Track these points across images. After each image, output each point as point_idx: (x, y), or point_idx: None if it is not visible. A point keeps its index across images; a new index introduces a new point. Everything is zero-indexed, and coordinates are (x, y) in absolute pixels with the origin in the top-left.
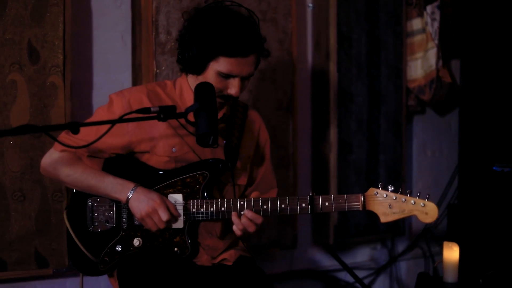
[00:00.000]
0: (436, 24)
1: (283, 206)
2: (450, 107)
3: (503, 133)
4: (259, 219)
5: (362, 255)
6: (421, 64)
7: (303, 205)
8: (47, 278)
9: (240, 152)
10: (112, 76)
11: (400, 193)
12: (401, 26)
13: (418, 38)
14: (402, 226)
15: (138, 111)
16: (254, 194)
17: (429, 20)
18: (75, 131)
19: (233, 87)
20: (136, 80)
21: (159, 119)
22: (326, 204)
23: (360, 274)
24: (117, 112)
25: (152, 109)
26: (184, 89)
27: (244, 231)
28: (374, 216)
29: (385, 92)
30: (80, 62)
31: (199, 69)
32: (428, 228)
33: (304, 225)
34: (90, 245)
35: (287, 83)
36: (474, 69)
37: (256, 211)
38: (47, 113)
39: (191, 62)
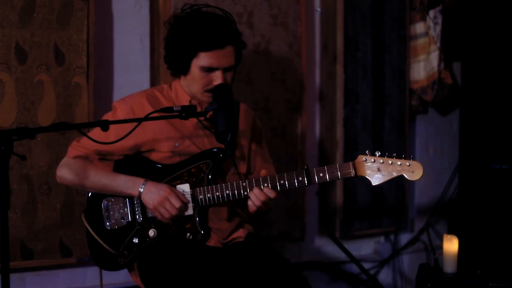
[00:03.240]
0: (439, 28)
1: (282, 182)
2: (452, 107)
3: (501, 132)
4: (272, 193)
5: (366, 248)
6: (424, 66)
7: (300, 178)
8: (70, 267)
9: (237, 142)
10: (131, 77)
11: (387, 157)
12: (405, 30)
13: (421, 41)
14: (404, 220)
15: (162, 110)
16: (263, 173)
17: (431, 24)
18: (105, 129)
19: (217, 79)
20: (154, 80)
21: (181, 118)
22: (321, 175)
23: (365, 266)
24: (120, 117)
25: (174, 108)
26: (178, 91)
27: (260, 207)
28: (377, 211)
29: (389, 92)
30: (102, 63)
31: (184, 70)
32: (430, 223)
33: (311, 218)
34: (110, 242)
35: (296, 84)
36: (475, 71)
37: None
38: (72, 111)
39: (177, 65)
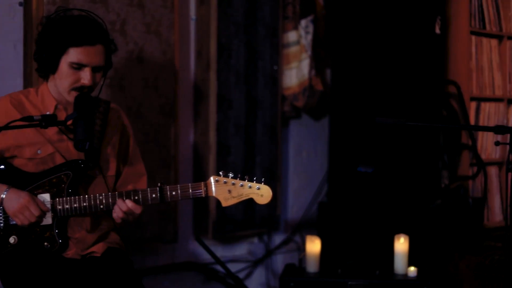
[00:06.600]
0: (310, 36)
1: (136, 198)
2: (324, 112)
3: (367, 137)
4: (138, 209)
5: (240, 249)
6: (296, 73)
7: (154, 195)
8: None
9: (104, 147)
10: (4, 83)
11: (239, 179)
12: (277, 38)
13: (293, 49)
14: (277, 221)
15: (23, 119)
16: (130, 187)
17: (303, 33)
18: None
19: (85, 77)
20: (27, 86)
21: (41, 127)
22: (173, 193)
23: (239, 266)
24: None
25: (34, 117)
26: (45, 95)
27: (124, 219)
28: (250, 213)
29: (261, 99)
30: None
31: (53, 67)
32: (302, 224)
33: (185, 220)
34: None
35: (170, 90)
36: (343, 78)
37: (114, 204)
38: None
39: (46, 63)
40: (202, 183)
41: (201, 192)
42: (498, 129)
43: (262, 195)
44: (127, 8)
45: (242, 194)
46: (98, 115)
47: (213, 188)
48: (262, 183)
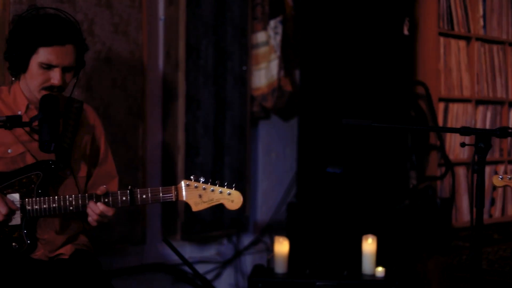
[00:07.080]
0: (279, 37)
1: (106, 200)
2: (293, 113)
3: (336, 137)
4: (110, 211)
5: (209, 250)
6: (265, 74)
7: (124, 198)
8: None
9: (75, 148)
10: None
11: (210, 184)
12: (246, 39)
13: (262, 50)
14: (246, 222)
15: None
16: (102, 189)
17: (272, 33)
18: None
19: (54, 77)
20: None
21: (6, 128)
22: (144, 196)
23: (208, 267)
24: None
25: None
26: (17, 94)
27: (99, 221)
28: (219, 214)
29: (230, 99)
30: None
31: (23, 67)
32: (271, 225)
33: (154, 221)
34: None
35: (138, 90)
36: (312, 79)
37: (84, 206)
38: None
39: (17, 62)
40: (173, 187)
41: (172, 196)
42: (464, 131)
43: (232, 201)
44: (95, 8)
45: (212, 199)
46: (71, 115)
47: (184, 193)
48: (233, 189)
